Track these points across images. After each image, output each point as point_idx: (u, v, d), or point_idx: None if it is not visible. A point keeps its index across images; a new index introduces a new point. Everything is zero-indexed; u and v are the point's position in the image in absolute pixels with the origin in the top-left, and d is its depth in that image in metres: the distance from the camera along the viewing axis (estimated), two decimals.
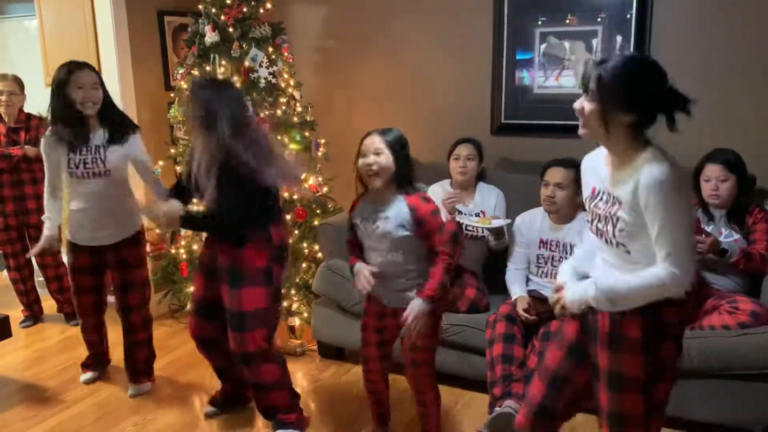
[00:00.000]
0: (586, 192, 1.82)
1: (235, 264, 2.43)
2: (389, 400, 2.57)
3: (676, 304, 1.67)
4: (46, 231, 2.89)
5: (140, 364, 3.04)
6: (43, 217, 2.91)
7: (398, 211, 2.20)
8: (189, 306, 3.56)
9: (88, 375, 3.14)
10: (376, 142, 2.20)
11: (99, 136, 2.78)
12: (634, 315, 1.67)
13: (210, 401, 2.84)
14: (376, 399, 2.53)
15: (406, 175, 2.23)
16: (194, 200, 2.67)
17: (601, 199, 1.73)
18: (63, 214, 2.91)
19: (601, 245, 1.77)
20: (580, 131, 1.70)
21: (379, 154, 2.18)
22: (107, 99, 2.82)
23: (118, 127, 2.82)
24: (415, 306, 2.19)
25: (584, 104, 1.66)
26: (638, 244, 1.64)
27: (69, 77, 2.69)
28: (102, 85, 2.79)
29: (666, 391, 1.73)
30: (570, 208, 2.78)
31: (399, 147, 2.21)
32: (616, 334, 1.69)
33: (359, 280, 2.27)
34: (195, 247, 3.53)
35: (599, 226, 1.73)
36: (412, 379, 2.37)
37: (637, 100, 1.60)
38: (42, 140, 2.81)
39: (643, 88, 1.61)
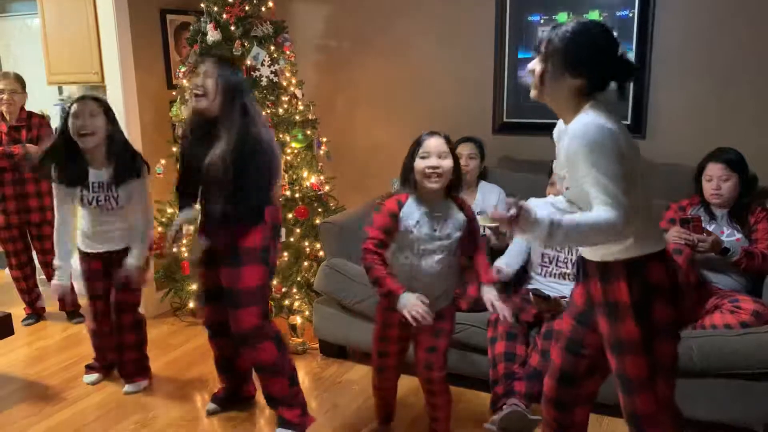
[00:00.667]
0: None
1: (233, 243, 2.45)
2: (396, 400, 2.58)
3: (660, 263, 1.71)
4: (57, 281, 2.88)
5: (130, 366, 3.03)
6: (54, 263, 2.89)
7: (456, 215, 2.23)
8: (191, 303, 3.59)
9: (94, 377, 3.12)
10: (442, 145, 2.17)
11: (104, 173, 2.78)
12: (620, 279, 1.71)
13: (212, 398, 2.85)
14: (384, 401, 2.53)
15: (458, 179, 2.24)
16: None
17: (558, 157, 1.81)
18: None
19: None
20: (531, 93, 1.76)
21: (443, 157, 2.16)
22: (115, 133, 2.78)
23: (124, 164, 2.78)
24: (489, 293, 2.21)
25: (535, 66, 1.72)
26: (584, 199, 1.67)
27: (69, 110, 2.72)
28: (108, 116, 2.76)
29: (669, 352, 1.75)
30: None
31: (454, 153, 2.22)
32: (608, 301, 1.74)
33: (416, 313, 2.09)
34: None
35: (560, 185, 1.83)
36: (425, 382, 2.35)
37: (583, 64, 1.65)
38: (53, 175, 2.81)
39: (589, 53, 1.65)
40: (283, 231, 3.40)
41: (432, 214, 2.20)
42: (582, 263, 1.86)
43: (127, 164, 2.80)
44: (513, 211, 1.60)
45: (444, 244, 2.21)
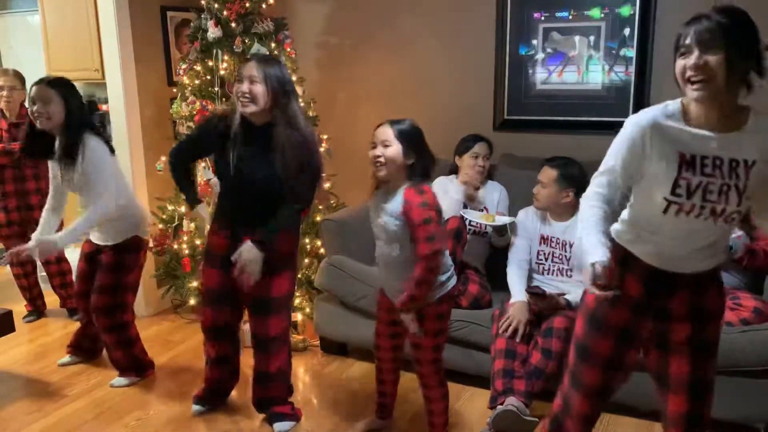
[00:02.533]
0: (659, 162, 1.62)
1: (270, 249, 2.40)
2: (395, 397, 2.58)
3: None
4: (34, 240, 2.79)
5: (120, 364, 3.06)
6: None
7: (395, 202, 2.17)
8: (192, 300, 3.59)
9: (66, 358, 3.24)
10: (385, 133, 2.17)
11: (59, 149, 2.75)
12: (713, 286, 1.76)
13: (195, 400, 2.81)
14: (382, 389, 2.54)
15: (419, 167, 2.17)
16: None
17: (705, 165, 1.57)
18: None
19: (688, 226, 1.63)
20: (699, 93, 1.52)
21: (387, 145, 2.15)
22: (70, 117, 2.71)
23: (69, 144, 2.70)
24: (403, 318, 2.22)
25: (707, 58, 1.49)
26: (759, 205, 1.66)
27: (28, 92, 2.73)
28: (67, 100, 2.70)
29: None
30: (559, 206, 2.80)
31: (410, 138, 2.16)
32: (704, 308, 1.74)
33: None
34: (198, 242, 3.53)
35: (709, 197, 1.57)
36: (419, 376, 2.38)
37: (757, 49, 1.53)
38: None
39: (758, 37, 1.53)
40: None
41: (381, 202, 2.24)
42: (653, 279, 1.75)
43: (73, 144, 2.70)
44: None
45: (384, 232, 2.22)
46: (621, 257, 1.76)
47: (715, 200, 1.58)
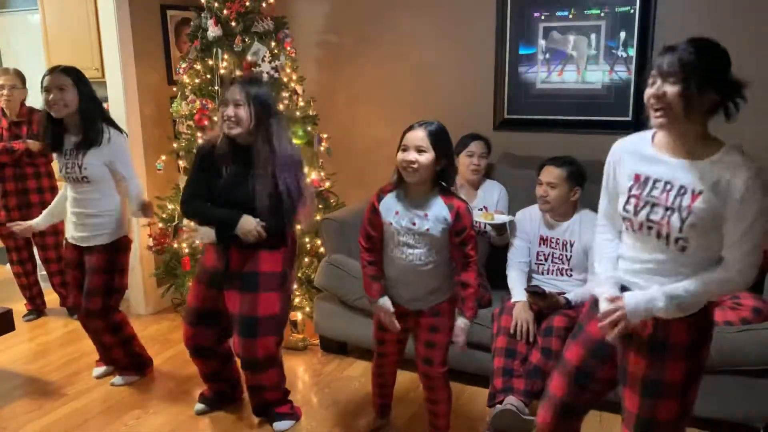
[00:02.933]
0: (623, 179, 1.72)
1: (252, 268, 2.42)
2: (393, 393, 2.59)
3: (716, 302, 1.68)
4: (36, 219, 2.96)
5: (120, 364, 3.05)
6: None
7: (437, 209, 2.16)
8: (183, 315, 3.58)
9: (101, 369, 3.15)
10: (420, 137, 2.11)
11: (73, 139, 2.75)
12: (682, 319, 1.62)
13: (199, 398, 2.83)
14: (382, 391, 2.54)
15: (448, 172, 2.18)
16: None
17: (655, 187, 1.64)
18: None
19: (643, 245, 1.67)
20: (658, 120, 1.58)
21: (422, 151, 2.10)
22: (85, 102, 2.73)
23: (92, 129, 2.73)
24: (463, 326, 2.21)
25: (665, 89, 1.55)
26: (704, 239, 1.58)
27: (41, 82, 2.71)
28: (79, 87, 2.71)
29: (696, 393, 1.69)
30: (566, 205, 2.79)
31: (443, 144, 2.13)
32: (660, 339, 1.63)
33: (387, 321, 2.27)
34: (197, 241, 3.53)
35: (652, 217, 1.62)
36: (425, 377, 2.35)
37: (721, 80, 1.56)
38: None
39: (724, 70, 1.57)
40: None
41: (411, 207, 2.18)
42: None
43: (96, 130, 2.73)
44: (619, 312, 1.60)
45: (424, 238, 2.17)
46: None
47: (658, 221, 1.61)
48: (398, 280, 2.25)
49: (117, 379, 3.05)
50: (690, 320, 1.62)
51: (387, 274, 2.28)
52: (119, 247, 2.88)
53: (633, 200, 1.66)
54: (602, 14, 3.28)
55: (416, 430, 2.62)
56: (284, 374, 2.64)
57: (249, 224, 2.36)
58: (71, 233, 2.88)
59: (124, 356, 3.04)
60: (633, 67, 3.26)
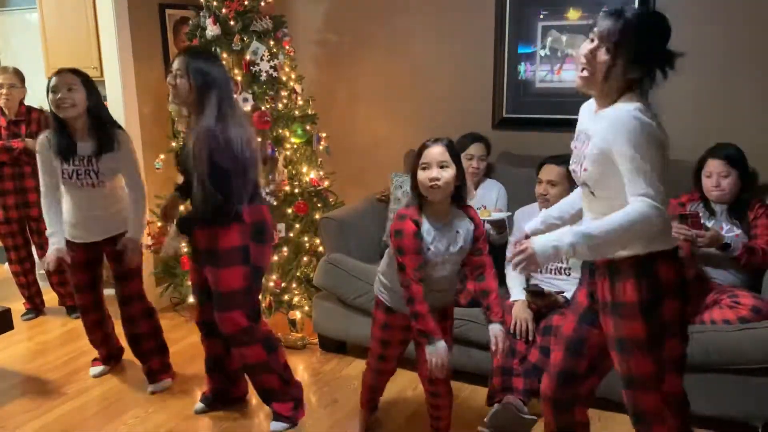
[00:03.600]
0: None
1: (211, 245, 2.44)
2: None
3: (668, 259, 1.69)
4: (55, 245, 2.77)
5: (153, 359, 2.99)
6: (47, 233, 2.81)
7: (466, 225, 2.17)
8: (191, 298, 3.58)
9: (99, 368, 3.14)
10: (442, 153, 2.06)
11: (88, 146, 2.72)
12: (628, 279, 1.69)
13: (201, 398, 2.83)
14: (374, 394, 2.55)
15: (462, 189, 2.16)
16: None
17: (578, 139, 1.79)
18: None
19: (582, 197, 1.84)
20: (579, 78, 1.70)
21: (444, 167, 2.05)
22: (95, 105, 2.72)
23: (106, 135, 2.73)
24: (499, 332, 2.17)
25: (597, 53, 1.65)
26: (604, 183, 1.68)
27: (48, 84, 2.69)
28: (88, 88, 2.70)
29: (677, 348, 1.74)
30: None
31: (458, 159, 2.11)
32: (616, 300, 1.72)
33: (439, 364, 2.10)
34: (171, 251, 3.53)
35: (573, 167, 1.79)
36: (430, 383, 2.30)
37: (651, 55, 1.64)
38: (38, 140, 2.78)
39: (659, 44, 1.65)
40: (282, 226, 3.40)
41: (444, 229, 2.13)
42: (590, 263, 1.84)
43: (110, 135, 2.74)
44: (527, 251, 1.62)
45: (458, 256, 2.18)
46: None
47: (575, 170, 1.79)
48: (427, 296, 2.15)
49: (152, 387, 2.97)
50: (635, 281, 1.68)
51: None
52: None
53: (572, 154, 1.83)
54: (601, 13, 3.28)
55: (416, 428, 2.62)
56: (277, 359, 2.58)
57: (171, 235, 2.45)
58: (77, 233, 2.83)
59: (156, 346, 3.00)
60: None
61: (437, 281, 2.18)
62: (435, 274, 2.16)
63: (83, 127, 2.72)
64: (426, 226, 2.11)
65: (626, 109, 1.61)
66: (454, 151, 2.10)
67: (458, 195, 2.14)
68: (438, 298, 2.22)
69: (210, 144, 2.28)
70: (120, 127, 2.85)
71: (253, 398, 2.81)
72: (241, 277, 2.45)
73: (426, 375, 2.27)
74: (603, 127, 1.65)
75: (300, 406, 2.66)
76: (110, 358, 3.18)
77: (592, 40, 1.67)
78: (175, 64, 2.37)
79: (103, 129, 2.74)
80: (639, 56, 1.63)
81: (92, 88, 2.74)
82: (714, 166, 2.74)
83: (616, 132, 1.60)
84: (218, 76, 2.37)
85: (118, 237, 2.83)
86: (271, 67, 3.41)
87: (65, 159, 2.72)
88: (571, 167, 1.82)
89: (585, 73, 1.68)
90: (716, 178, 2.73)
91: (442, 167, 2.05)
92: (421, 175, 2.07)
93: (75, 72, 2.72)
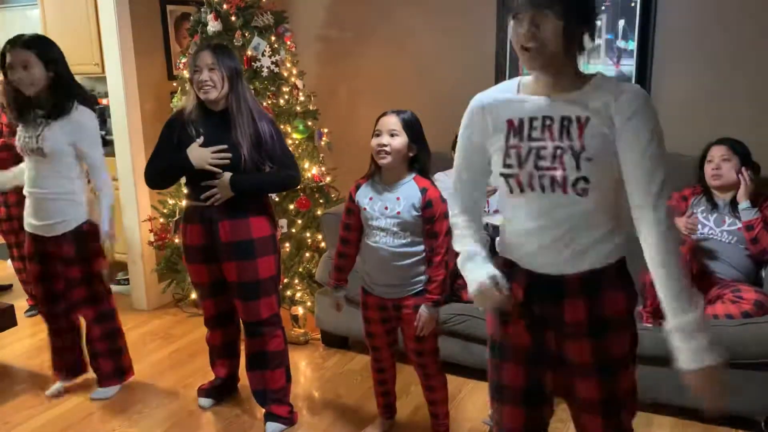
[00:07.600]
0: (491, 137, 1.51)
1: (244, 236, 2.45)
2: (395, 394, 2.58)
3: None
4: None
5: (102, 369, 2.88)
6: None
7: (409, 191, 2.20)
8: (194, 294, 3.59)
9: (55, 386, 2.91)
10: (392, 122, 2.19)
11: (41, 112, 2.58)
12: (615, 287, 1.47)
13: (203, 393, 2.83)
14: (384, 388, 2.53)
15: (421, 160, 2.24)
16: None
17: (533, 128, 1.43)
18: None
19: (538, 204, 1.43)
20: (534, 63, 1.39)
21: (394, 135, 2.18)
22: (56, 78, 2.56)
23: (60, 103, 2.55)
24: (423, 313, 2.20)
25: (540, 24, 1.34)
26: (602, 176, 1.38)
27: (1, 56, 2.53)
28: (45, 60, 2.51)
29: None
30: None
31: (415, 129, 2.21)
32: (599, 317, 1.46)
33: (340, 307, 2.46)
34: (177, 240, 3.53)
35: (541, 164, 1.40)
36: (419, 367, 2.38)
37: (594, 14, 1.42)
38: None
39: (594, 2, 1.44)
40: (284, 222, 3.40)
41: (384, 192, 2.24)
42: (536, 284, 1.49)
43: (63, 104, 2.56)
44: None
45: (395, 222, 2.20)
46: (503, 264, 1.56)
47: (549, 166, 1.39)
48: (373, 267, 2.29)
49: (98, 392, 2.87)
50: (623, 292, 1.48)
51: (364, 262, 2.33)
52: (88, 236, 2.70)
53: (513, 151, 1.44)
54: (603, 7, 3.27)
55: (419, 422, 2.62)
56: (288, 353, 2.63)
57: (197, 151, 2.41)
58: (29, 220, 2.73)
59: (108, 356, 2.86)
60: (634, 60, 3.24)
61: (377, 256, 2.23)
62: (371, 241, 2.25)
63: (46, 99, 2.59)
64: (366, 188, 2.29)
65: (625, 84, 1.39)
66: (413, 124, 2.21)
67: (418, 166, 2.23)
68: (383, 278, 2.27)
69: (273, 129, 2.48)
70: (89, 102, 2.68)
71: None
72: (274, 264, 2.54)
73: (416, 360, 2.35)
74: (605, 103, 1.37)
75: (294, 411, 2.67)
76: (67, 369, 2.94)
77: (520, 21, 1.36)
78: (205, 60, 2.38)
79: (58, 99, 2.56)
80: (586, 15, 1.38)
81: (49, 59, 2.54)
82: (716, 150, 2.77)
83: (635, 110, 1.34)
84: (240, 64, 2.52)
85: (62, 239, 2.66)
86: (272, 62, 3.40)
87: (20, 120, 2.62)
88: (531, 167, 1.41)
89: (536, 56, 1.37)
90: (717, 161, 2.74)
91: (392, 135, 2.17)
92: (373, 141, 2.21)
93: (27, 44, 2.51)
